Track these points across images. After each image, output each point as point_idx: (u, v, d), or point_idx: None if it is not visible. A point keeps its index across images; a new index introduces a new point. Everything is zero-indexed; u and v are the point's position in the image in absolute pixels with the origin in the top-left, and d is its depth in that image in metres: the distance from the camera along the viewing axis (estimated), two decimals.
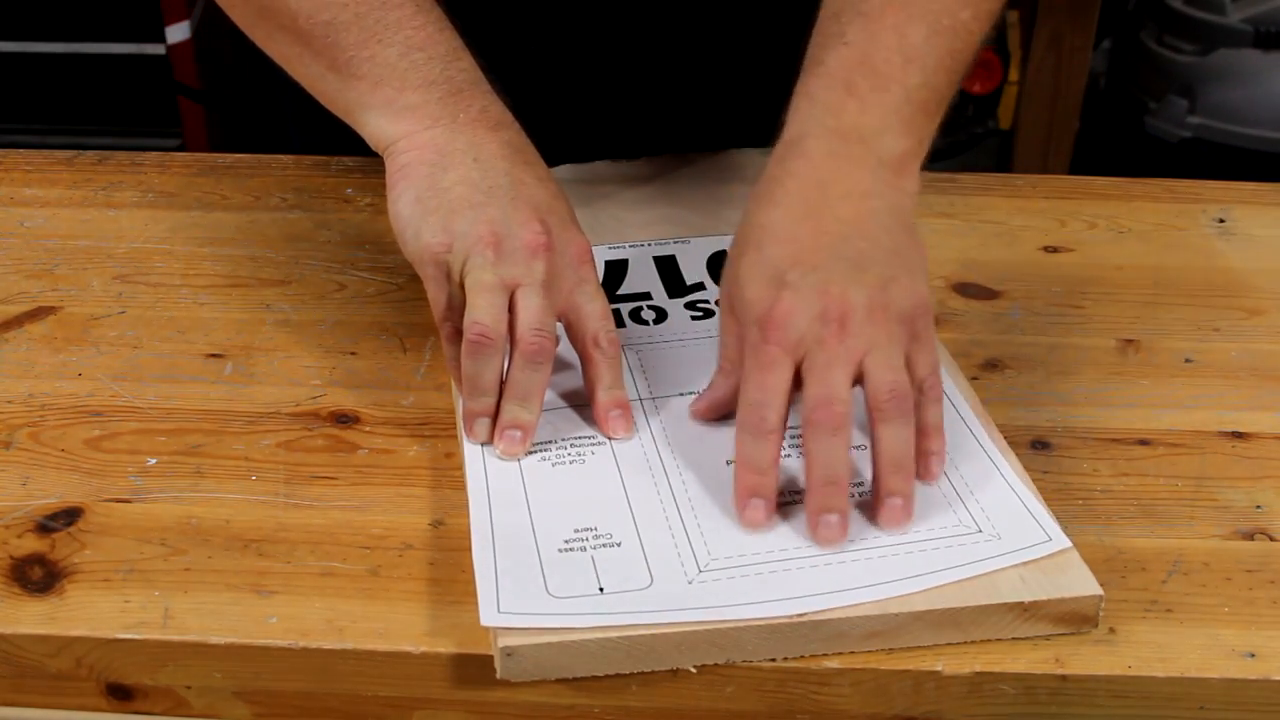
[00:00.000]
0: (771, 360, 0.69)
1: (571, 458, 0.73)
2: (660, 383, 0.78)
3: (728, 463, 0.72)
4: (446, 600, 0.66)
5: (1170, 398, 0.82)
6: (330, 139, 1.05)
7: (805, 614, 0.63)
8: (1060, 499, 0.73)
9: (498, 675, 0.62)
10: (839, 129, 0.74)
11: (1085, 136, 2.35)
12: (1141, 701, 0.65)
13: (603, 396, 0.74)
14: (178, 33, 2.23)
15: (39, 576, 0.68)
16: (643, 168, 1.00)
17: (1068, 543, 0.67)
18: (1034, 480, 0.72)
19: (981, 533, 0.67)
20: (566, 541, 0.67)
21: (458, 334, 0.73)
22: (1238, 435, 0.79)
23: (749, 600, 0.63)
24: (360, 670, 0.65)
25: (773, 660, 0.64)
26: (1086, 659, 0.64)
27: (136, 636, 0.65)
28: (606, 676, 0.63)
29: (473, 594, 0.66)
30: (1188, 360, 0.85)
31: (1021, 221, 0.99)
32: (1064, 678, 0.64)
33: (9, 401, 0.79)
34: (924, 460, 0.71)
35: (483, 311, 0.72)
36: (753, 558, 0.66)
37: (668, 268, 0.88)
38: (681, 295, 0.85)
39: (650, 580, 0.65)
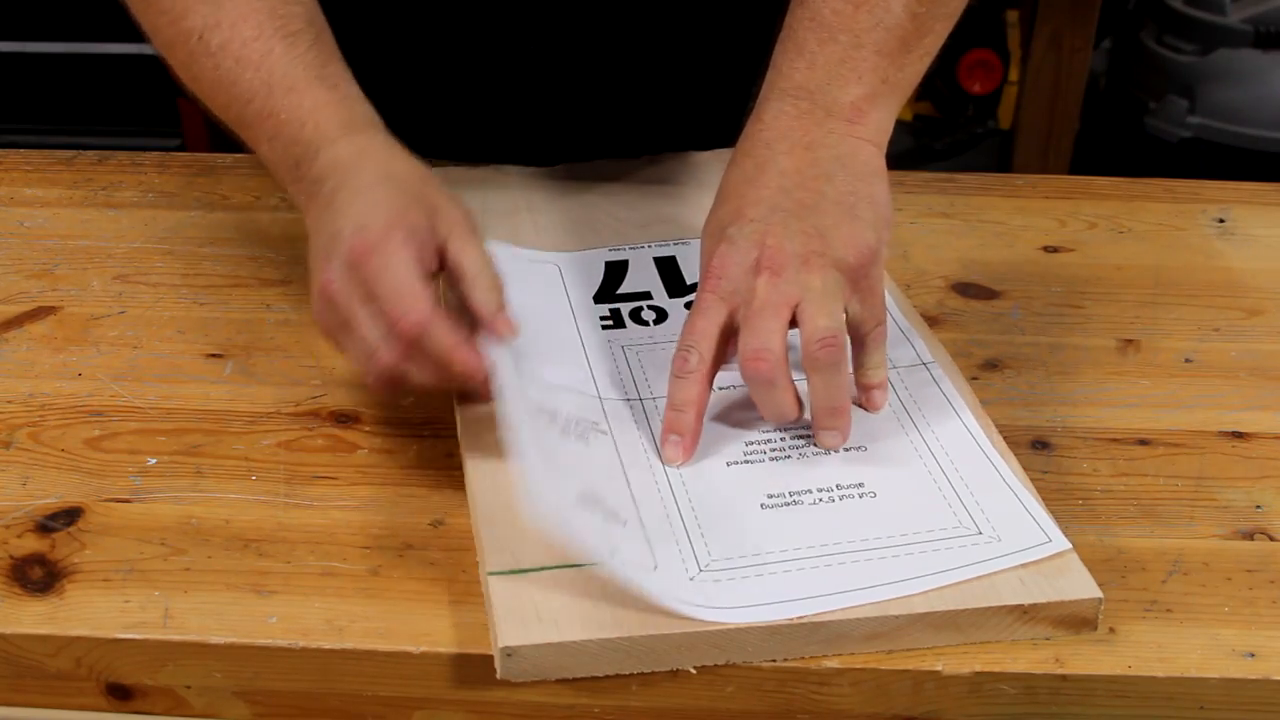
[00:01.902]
0: (705, 307, 0.72)
1: (575, 434, 0.73)
2: (660, 382, 0.78)
3: (728, 464, 0.72)
4: (446, 600, 0.66)
5: (1170, 398, 0.82)
6: None
7: (805, 616, 0.63)
8: (1060, 499, 0.73)
9: (498, 675, 0.62)
10: (788, 89, 0.76)
11: (1085, 136, 2.35)
12: (1141, 701, 0.65)
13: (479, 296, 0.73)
14: None
15: (39, 576, 0.68)
16: (643, 168, 1.00)
17: (1067, 544, 0.67)
18: (1034, 480, 0.72)
19: (981, 534, 0.67)
20: (581, 497, 0.67)
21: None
22: (1238, 435, 0.79)
23: (750, 603, 0.63)
24: (360, 670, 0.65)
25: (773, 660, 0.64)
26: (1086, 659, 0.64)
27: (136, 636, 0.65)
28: (606, 676, 0.63)
29: (473, 594, 0.66)
30: (1188, 360, 0.85)
31: (1021, 221, 0.99)
32: (1064, 678, 0.64)
33: (9, 401, 0.79)
34: (866, 394, 0.74)
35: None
36: (753, 559, 0.66)
37: (668, 268, 0.88)
38: (682, 295, 0.85)
39: (655, 565, 0.65)
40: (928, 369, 0.79)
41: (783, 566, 0.66)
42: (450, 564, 0.68)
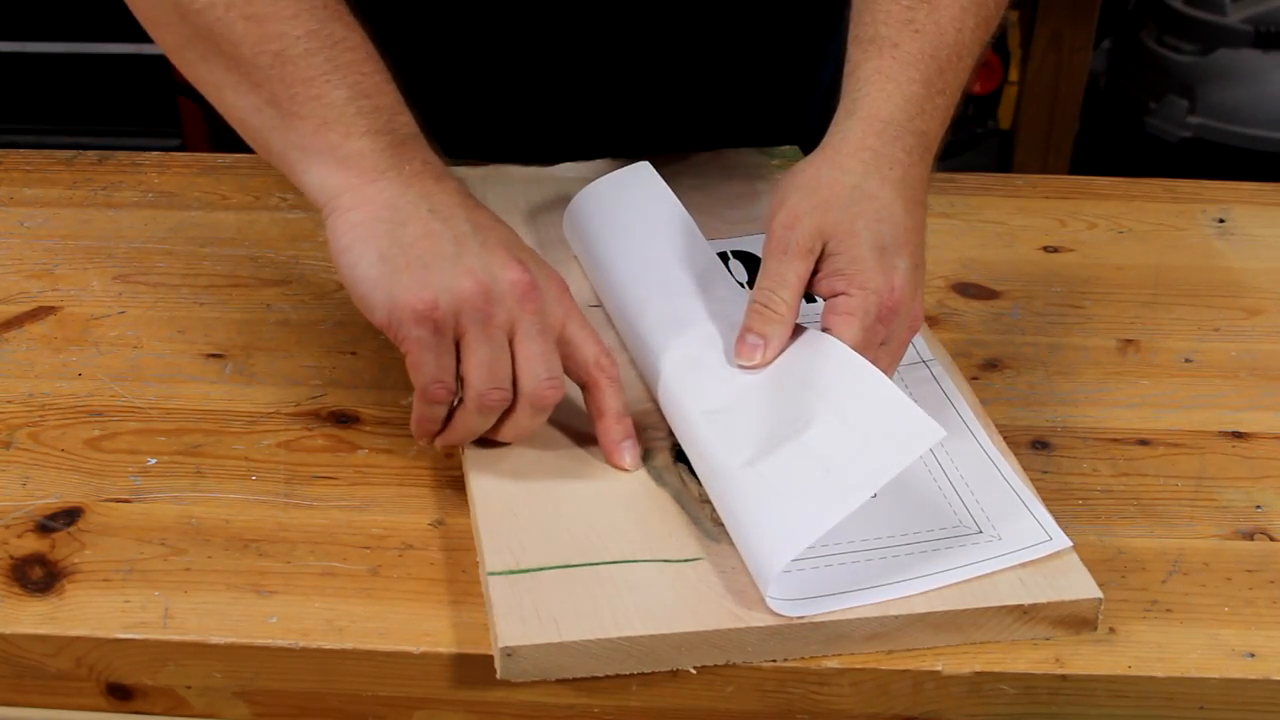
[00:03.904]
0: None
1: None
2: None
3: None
4: (446, 600, 0.67)
5: (1170, 398, 0.82)
6: None
7: (805, 616, 0.63)
8: (1060, 499, 0.73)
9: (498, 675, 0.62)
10: (915, 130, 0.76)
11: (1085, 136, 2.35)
12: (1141, 701, 0.65)
13: (613, 426, 0.73)
14: None
15: (39, 576, 0.68)
16: None
17: (1068, 542, 0.67)
18: (1034, 480, 0.72)
19: (982, 533, 0.67)
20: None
21: (449, 394, 0.70)
22: (1238, 435, 0.79)
23: (752, 602, 0.63)
24: (360, 670, 0.65)
25: (773, 660, 0.64)
26: (1086, 659, 0.64)
27: (136, 636, 0.65)
28: (606, 676, 0.63)
29: (473, 594, 0.66)
30: (1188, 360, 0.85)
31: (1021, 221, 0.99)
32: (1064, 678, 0.64)
33: (9, 401, 0.79)
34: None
35: (496, 368, 0.70)
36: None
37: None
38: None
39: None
40: (927, 367, 0.79)
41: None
42: (450, 564, 0.68)
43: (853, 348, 0.70)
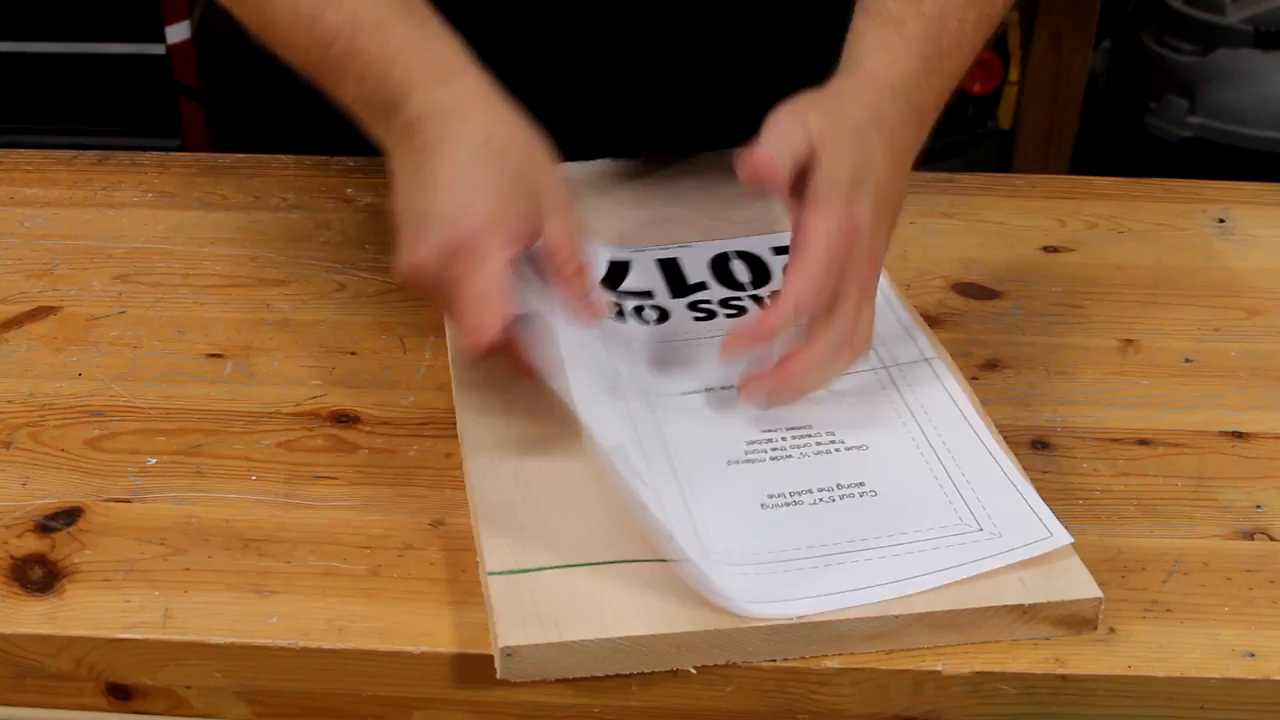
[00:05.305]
0: None
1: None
2: (661, 382, 0.78)
3: (729, 464, 0.72)
4: (446, 600, 0.67)
5: (1170, 398, 0.82)
6: (330, 139, 1.05)
7: (805, 615, 0.63)
8: (1060, 499, 0.73)
9: (498, 675, 0.62)
10: (911, 101, 0.77)
11: (1085, 136, 2.35)
12: (1141, 701, 0.65)
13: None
14: (178, 33, 2.22)
15: (39, 576, 0.68)
16: (643, 168, 1.00)
17: (1069, 539, 0.67)
18: (1034, 480, 0.72)
19: (982, 531, 0.68)
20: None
21: None
22: (1238, 435, 0.79)
23: (752, 600, 0.63)
24: (360, 670, 0.65)
25: (773, 660, 0.64)
26: (1086, 659, 0.64)
27: (136, 636, 0.65)
28: (606, 676, 0.63)
29: (473, 594, 0.66)
30: (1188, 360, 0.85)
31: (1021, 221, 0.99)
32: (1064, 678, 0.64)
33: (9, 401, 0.79)
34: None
35: None
36: (753, 557, 0.66)
37: (670, 269, 0.88)
38: (684, 295, 0.85)
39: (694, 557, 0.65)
40: (930, 364, 0.79)
41: (782, 566, 0.66)
42: (450, 564, 0.68)
43: (816, 266, 0.70)
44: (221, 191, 1.01)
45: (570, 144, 1.00)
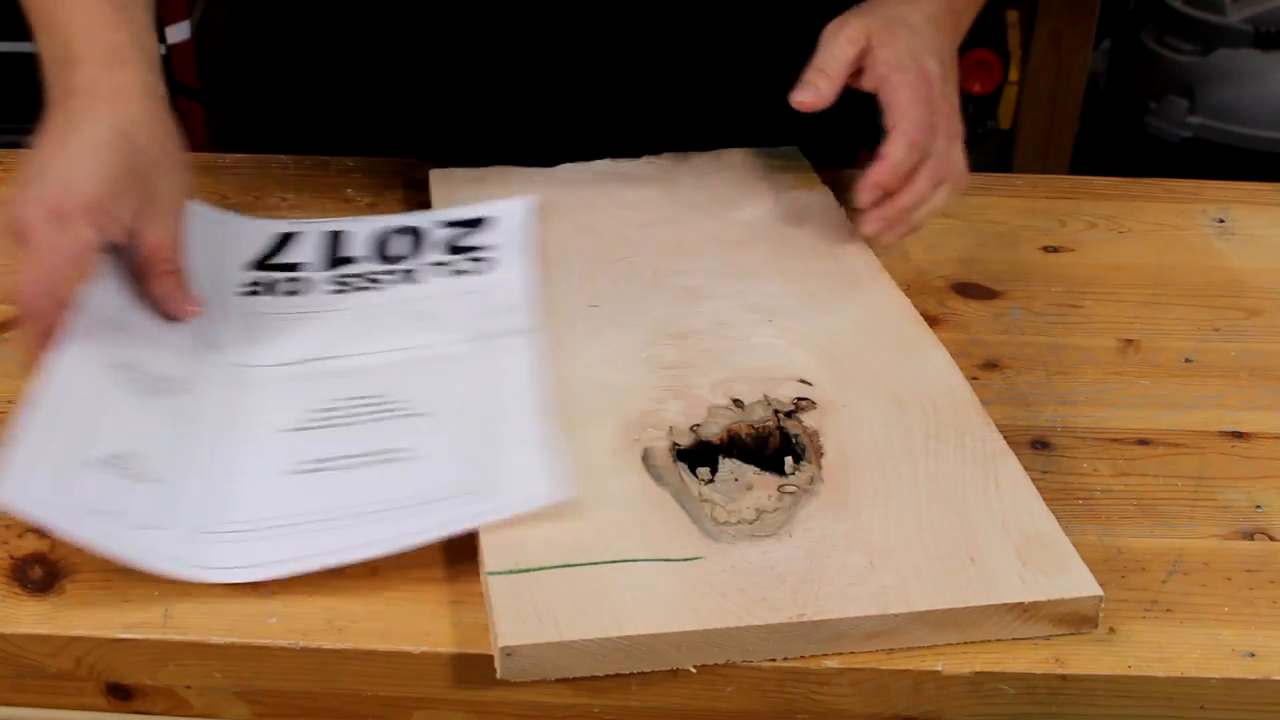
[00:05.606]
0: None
1: (148, 390, 0.74)
2: (256, 353, 0.80)
3: (279, 431, 0.74)
4: (446, 600, 0.66)
5: (1170, 398, 0.82)
6: (330, 139, 1.06)
7: (805, 614, 0.63)
8: (1060, 499, 0.73)
9: (498, 675, 0.62)
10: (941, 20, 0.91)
11: (1085, 136, 2.35)
12: (1141, 701, 0.65)
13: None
14: (178, 33, 2.22)
15: (39, 576, 0.67)
16: (643, 168, 1.00)
17: (563, 497, 0.68)
18: (1034, 480, 0.72)
19: (476, 494, 0.69)
20: (109, 455, 0.69)
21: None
22: (1238, 435, 0.79)
23: (257, 562, 0.66)
24: (360, 670, 0.65)
25: (773, 660, 0.64)
26: (1086, 659, 0.64)
27: (136, 636, 0.65)
28: (606, 676, 0.63)
29: (473, 594, 0.66)
30: (1188, 360, 0.85)
31: (1021, 221, 0.99)
32: (1064, 678, 0.64)
33: (9, 401, 0.79)
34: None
35: None
36: (264, 522, 0.68)
37: (331, 242, 0.91)
38: (333, 269, 0.88)
39: (170, 525, 0.67)
40: (525, 336, 0.80)
41: (296, 529, 0.68)
42: (451, 563, 0.68)
43: (913, 104, 0.84)
44: (221, 191, 1.01)
45: (569, 144, 1.01)
